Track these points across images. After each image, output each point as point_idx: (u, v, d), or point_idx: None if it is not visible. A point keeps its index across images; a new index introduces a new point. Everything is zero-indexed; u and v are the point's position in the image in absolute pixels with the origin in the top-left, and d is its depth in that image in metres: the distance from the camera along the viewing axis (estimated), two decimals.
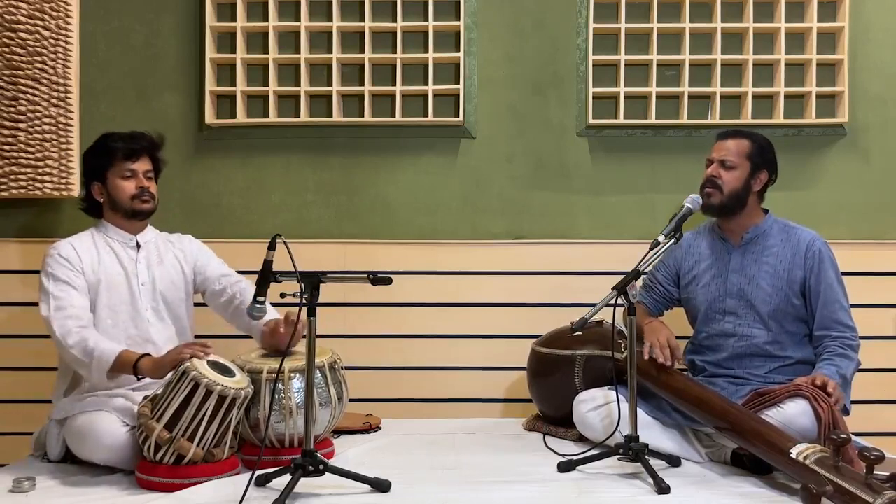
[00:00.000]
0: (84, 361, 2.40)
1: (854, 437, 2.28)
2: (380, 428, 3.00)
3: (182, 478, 2.27)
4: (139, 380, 2.44)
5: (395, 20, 3.31)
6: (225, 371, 2.37)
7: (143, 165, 2.67)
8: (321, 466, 2.19)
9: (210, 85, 3.32)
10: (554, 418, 2.94)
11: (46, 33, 3.15)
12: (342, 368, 2.62)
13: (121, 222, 2.69)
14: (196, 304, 2.85)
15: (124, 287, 2.63)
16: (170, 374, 2.37)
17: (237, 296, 2.74)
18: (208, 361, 2.36)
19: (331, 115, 3.34)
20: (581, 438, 2.78)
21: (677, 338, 2.68)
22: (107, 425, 2.36)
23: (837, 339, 2.64)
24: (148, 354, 2.45)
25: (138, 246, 2.70)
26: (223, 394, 2.28)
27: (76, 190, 3.17)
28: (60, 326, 2.45)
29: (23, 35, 3.14)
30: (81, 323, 2.48)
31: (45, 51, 3.15)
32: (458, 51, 3.33)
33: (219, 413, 2.29)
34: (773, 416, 2.40)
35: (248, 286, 2.75)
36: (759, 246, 2.75)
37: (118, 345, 2.46)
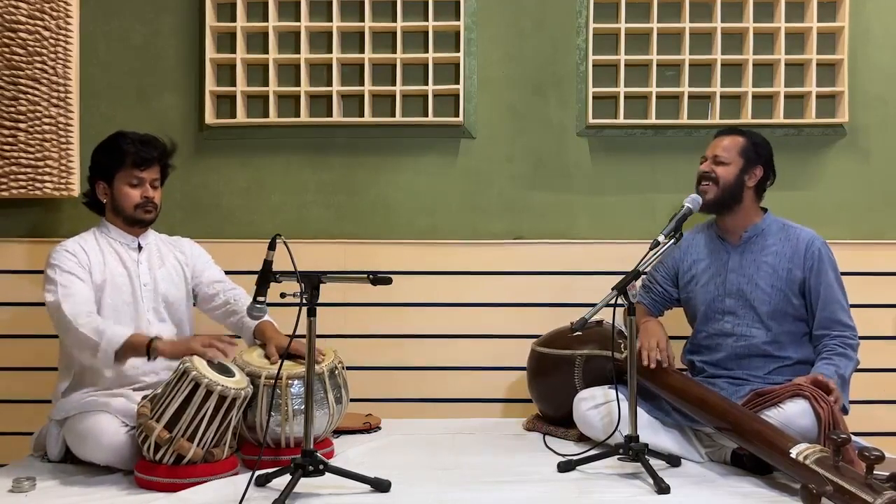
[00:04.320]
0: (93, 341, 2.37)
1: (854, 437, 2.28)
2: (380, 428, 3.00)
3: (182, 478, 2.26)
4: (151, 360, 2.41)
5: (395, 20, 3.31)
6: (224, 371, 2.37)
7: (151, 174, 2.66)
8: (321, 466, 2.19)
9: (210, 85, 3.32)
10: (554, 418, 2.94)
11: (46, 33, 3.15)
12: (344, 369, 2.62)
13: (122, 225, 2.69)
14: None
15: (127, 287, 2.63)
16: (169, 374, 2.37)
17: (231, 300, 2.75)
18: (207, 361, 2.36)
19: (331, 115, 3.34)
20: (581, 438, 2.78)
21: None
22: (107, 426, 2.36)
23: (837, 338, 2.64)
24: (159, 337, 2.44)
25: (140, 247, 2.71)
26: (224, 394, 2.28)
27: (76, 190, 3.17)
28: (71, 308, 2.43)
29: (23, 35, 3.14)
30: (91, 309, 2.48)
31: (45, 51, 3.15)
32: (458, 51, 3.33)
33: (219, 413, 2.29)
34: (773, 416, 2.40)
35: (242, 293, 2.77)
36: (758, 245, 2.74)
37: (127, 329, 2.46)
